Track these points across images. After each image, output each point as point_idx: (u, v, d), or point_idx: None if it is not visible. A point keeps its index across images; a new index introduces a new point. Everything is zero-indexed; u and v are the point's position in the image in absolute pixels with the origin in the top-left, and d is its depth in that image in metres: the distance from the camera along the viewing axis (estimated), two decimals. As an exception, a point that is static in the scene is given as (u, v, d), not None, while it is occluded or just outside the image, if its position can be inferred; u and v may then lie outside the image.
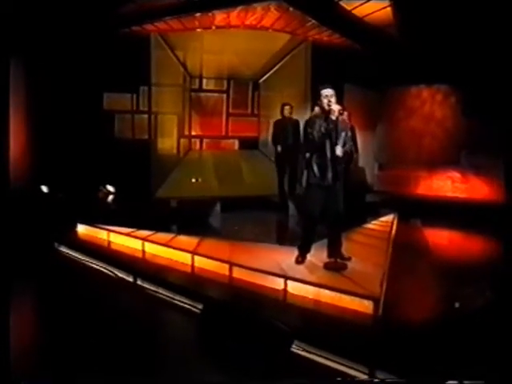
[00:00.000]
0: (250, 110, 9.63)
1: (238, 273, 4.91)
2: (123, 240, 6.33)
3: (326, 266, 4.80)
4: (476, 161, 8.66)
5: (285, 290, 4.52)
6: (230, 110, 9.57)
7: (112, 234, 6.50)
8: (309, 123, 4.90)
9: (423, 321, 3.97)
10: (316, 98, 8.39)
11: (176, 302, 4.73)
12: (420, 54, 7.45)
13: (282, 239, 6.56)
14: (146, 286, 5.19)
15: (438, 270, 5.20)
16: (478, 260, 6.03)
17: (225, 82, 9.37)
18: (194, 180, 9.14)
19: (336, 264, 4.76)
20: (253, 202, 8.05)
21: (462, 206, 8.30)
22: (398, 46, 7.23)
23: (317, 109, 7.43)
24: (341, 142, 4.72)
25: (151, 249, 5.93)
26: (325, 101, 4.79)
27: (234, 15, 7.14)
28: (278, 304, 4.30)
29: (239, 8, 6.76)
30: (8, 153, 7.04)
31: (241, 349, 3.66)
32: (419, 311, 4.19)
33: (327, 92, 4.82)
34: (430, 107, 9.21)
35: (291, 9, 6.70)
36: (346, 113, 4.93)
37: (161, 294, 4.98)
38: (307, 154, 4.94)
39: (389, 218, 7.35)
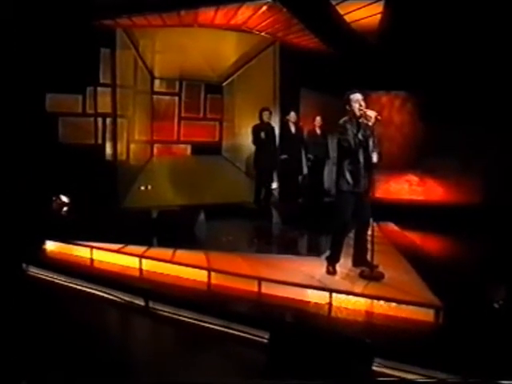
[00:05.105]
0: (207, 114, 9.23)
1: (269, 289, 4.60)
2: (111, 257, 5.70)
3: (363, 275, 4.68)
4: (432, 164, 9.09)
5: (330, 303, 4.32)
6: (184, 114, 9.11)
7: (94, 251, 5.83)
8: (340, 130, 4.73)
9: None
10: (291, 103, 8.50)
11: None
12: (393, 61, 7.65)
13: (280, 248, 6.33)
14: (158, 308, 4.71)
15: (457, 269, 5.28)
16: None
17: (179, 84, 8.91)
18: (143, 188, 8.55)
19: (372, 273, 4.66)
20: (225, 209, 7.71)
21: (419, 207, 8.74)
22: (376, 54, 7.35)
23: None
24: (375, 148, 4.64)
25: (150, 266, 5.38)
26: (356, 105, 4.68)
27: (222, 13, 6.78)
28: (334, 319, 4.09)
29: (232, 5, 6.43)
30: None
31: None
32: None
33: (357, 97, 4.71)
34: (388, 113, 9.52)
35: (284, 10, 6.52)
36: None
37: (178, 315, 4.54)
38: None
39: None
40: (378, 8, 6.48)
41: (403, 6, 6.62)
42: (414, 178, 9.49)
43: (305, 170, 8.39)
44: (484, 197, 8.55)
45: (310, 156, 8.21)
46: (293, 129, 7.98)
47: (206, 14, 6.87)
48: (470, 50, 7.56)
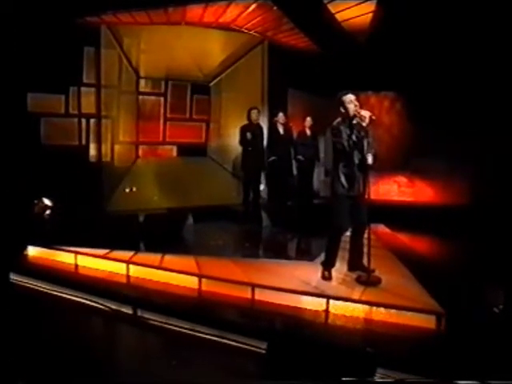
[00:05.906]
0: (193, 115, 9.03)
1: (263, 295, 4.43)
2: (97, 263, 5.47)
3: (359, 281, 4.55)
4: (421, 166, 9.03)
5: (327, 310, 4.17)
6: (170, 115, 8.89)
7: (78, 257, 5.60)
8: (334, 132, 4.58)
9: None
10: (279, 104, 8.34)
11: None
12: (383, 61, 7.55)
13: (271, 252, 6.16)
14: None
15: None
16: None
17: (164, 84, 8.68)
18: (128, 190, 8.32)
19: (369, 278, 4.53)
20: (213, 211, 7.55)
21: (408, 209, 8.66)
22: (366, 54, 7.25)
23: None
24: (370, 149, 4.51)
25: (138, 272, 5.17)
26: (351, 106, 4.52)
27: (211, 11, 6.58)
28: (332, 327, 3.94)
29: (221, 3, 6.24)
30: None
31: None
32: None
33: (350, 97, 4.57)
34: (377, 113, 9.40)
35: (274, 8, 6.36)
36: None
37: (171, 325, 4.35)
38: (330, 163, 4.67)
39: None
40: (370, 7, 6.36)
41: (395, 5, 6.51)
42: (403, 179, 9.43)
43: (294, 172, 8.24)
44: (474, 197, 8.52)
45: (299, 157, 8.07)
46: (281, 130, 7.83)
47: (195, 11, 6.68)
48: (462, 49, 7.51)
